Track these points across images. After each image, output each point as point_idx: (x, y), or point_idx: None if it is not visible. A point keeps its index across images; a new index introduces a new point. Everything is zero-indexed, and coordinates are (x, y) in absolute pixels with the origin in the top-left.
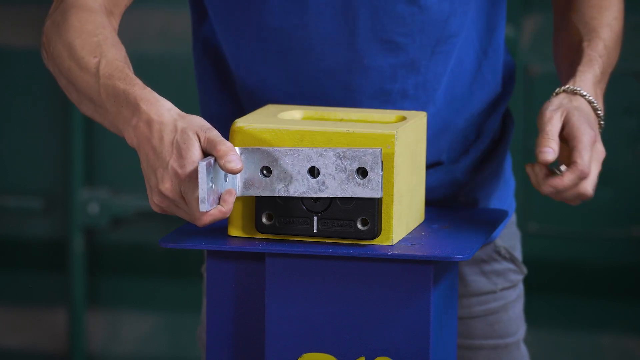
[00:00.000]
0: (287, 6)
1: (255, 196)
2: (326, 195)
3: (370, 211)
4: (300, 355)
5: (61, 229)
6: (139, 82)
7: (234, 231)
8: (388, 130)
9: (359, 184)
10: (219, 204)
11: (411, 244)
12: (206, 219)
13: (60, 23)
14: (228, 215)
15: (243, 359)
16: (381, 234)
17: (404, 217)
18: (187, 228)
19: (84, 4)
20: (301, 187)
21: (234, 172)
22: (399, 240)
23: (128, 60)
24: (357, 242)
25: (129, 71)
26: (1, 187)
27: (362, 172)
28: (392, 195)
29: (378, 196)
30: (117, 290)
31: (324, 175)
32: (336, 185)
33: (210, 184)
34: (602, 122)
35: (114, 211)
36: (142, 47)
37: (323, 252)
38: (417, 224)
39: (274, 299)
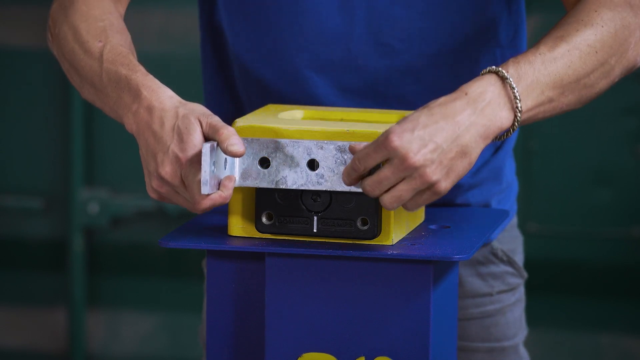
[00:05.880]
0: (282, 3)
1: (255, 196)
2: (325, 189)
3: (370, 211)
4: (300, 355)
5: (61, 229)
6: (141, 69)
7: (234, 231)
8: None
9: None
10: (219, 189)
11: (411, 244)
12: (206, 203)
13: (67, 6)
14: (227, 201)
15: (243, 359)
16: (381, 234)
17: (404, 217)
18: (187, 228)
19: None
20: (300, 179)
21: (237, 155)
22: (399, 240)
23: (133, 47)
24: (357, 242)
25: (132, 57)
26: (1, 187)
27: None
28: None
29: None
30: (117, 290)
31: (323, 168)
32: (335, 179)
33: (212, 168)
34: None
35: (114, 211)
36: (142, 47)
37: (323, 252)
38: (417, 224)
39: (274, 299)
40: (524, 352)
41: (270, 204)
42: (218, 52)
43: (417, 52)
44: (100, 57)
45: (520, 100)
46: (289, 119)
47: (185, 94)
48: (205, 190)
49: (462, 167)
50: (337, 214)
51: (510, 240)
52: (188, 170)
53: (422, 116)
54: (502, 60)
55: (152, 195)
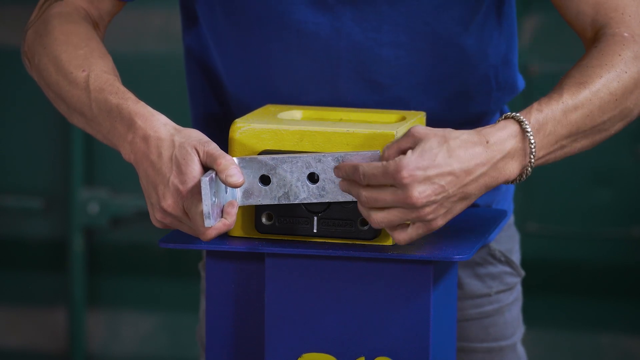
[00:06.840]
0: (270, 45)
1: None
2: (327, 200)
3: None
4: (300, 355)
5: (61, 229)
6: (131, 96)
7: (234, 231)
8: (388, 130)
9: None
10: (222, 217)
11: (411, 244)
12: (211, 233)
13: (43, 35)
14: (232, 227)
15: (243, 359)
16: (381, 234)
17: None
18: None
19: (66, 13)
20: (301, 193)
21: (236, 186)
22: None
23: (116, 72)
24: (357, 242)
25: (119, 84)
26: (1, 187)
27: None
28: None
29: None
30: (117, 290)
31: (324, 180)
32: (336, 189)
33: (214, 199)
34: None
35: (113, 211)
36: (142, 47)
37: (323, 252)
38: None
39: (273, 299)
40: (521, 350)
41: (271, 204)
42: (201, 62)
43: (406, 85)
44: (86, 86)
45: (534, 155)
46: (288, 119)
47: (185, 94)
48: (208, 223)
49: (460, 208)
50: (337, 215)
51: (507, 239)
52: (190, 202)
53: (439, 155)
54: (494, 79)
55: (157, 225)
